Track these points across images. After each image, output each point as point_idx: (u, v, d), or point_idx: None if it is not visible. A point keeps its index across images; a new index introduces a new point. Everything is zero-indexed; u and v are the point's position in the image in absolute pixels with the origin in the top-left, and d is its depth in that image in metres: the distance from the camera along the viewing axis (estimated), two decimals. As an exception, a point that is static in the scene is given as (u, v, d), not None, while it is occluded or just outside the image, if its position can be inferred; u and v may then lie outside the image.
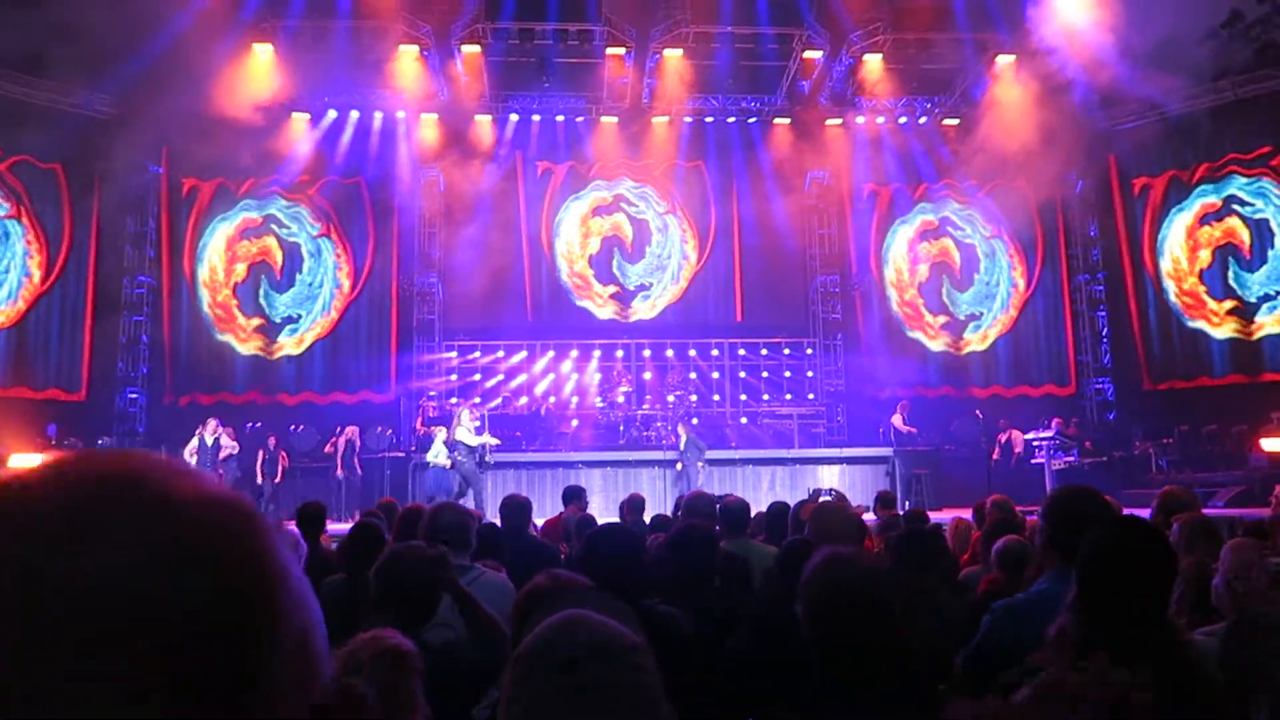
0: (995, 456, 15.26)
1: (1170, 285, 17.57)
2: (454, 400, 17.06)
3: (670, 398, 16.60)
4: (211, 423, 13.99)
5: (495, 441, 13.47)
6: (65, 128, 15.59)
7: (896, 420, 15.83)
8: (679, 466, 14.19)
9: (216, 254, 17.43)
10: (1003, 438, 15.56)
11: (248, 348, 17.32)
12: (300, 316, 17.60)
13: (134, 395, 16.83)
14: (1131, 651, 1.86)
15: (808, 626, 1.91)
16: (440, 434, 13.32)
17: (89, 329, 16.57)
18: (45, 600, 0.41)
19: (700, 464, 13.96)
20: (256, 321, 17.42)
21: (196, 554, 0.44)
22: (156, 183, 17.18)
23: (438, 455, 13.08)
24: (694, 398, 17.05)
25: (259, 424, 15.48)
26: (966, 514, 8.71)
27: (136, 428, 16.57)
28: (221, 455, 13.83)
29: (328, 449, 14.92)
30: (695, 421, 16.13)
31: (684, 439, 14.11)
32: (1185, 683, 1.87)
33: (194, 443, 13.75)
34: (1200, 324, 17.22)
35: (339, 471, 14.59)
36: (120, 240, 16.94)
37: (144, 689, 0.40)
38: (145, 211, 17.15)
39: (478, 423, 13.74)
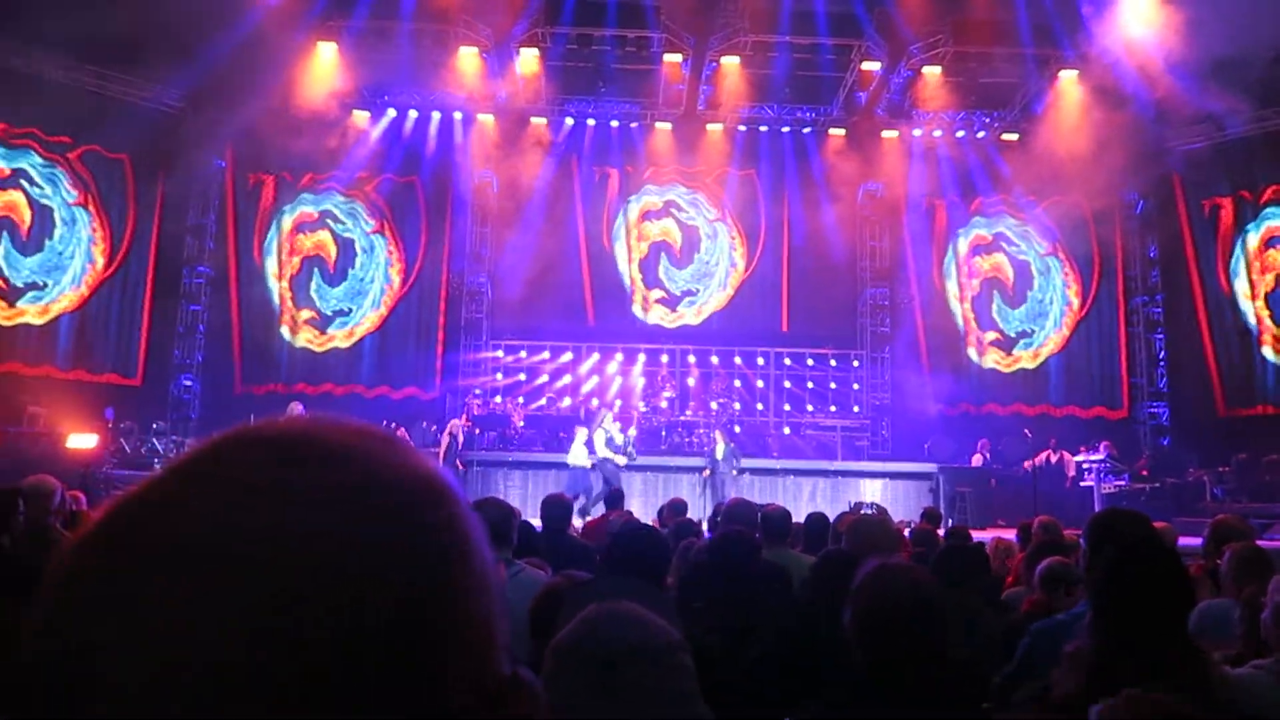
0: (1028, 466, 14.92)
1: (1247, 305, 17.05)
2: (498, 399, 17.22)
3: (714, 405, 16.60)
4: (296, 407, 14.31)
5: (622, 459, 13.48)
6: (134, 120, 16.03)
7: (976, 460, 15.49)
8: (706, 473, 14.09)
9: (278, 247, 17.84)
10: (1053, 458, 15.20)
11: (298, 340, 17.67)
12: (351, 310, 17.91)
13: (189, 383, 17.24)
14: (1145, 671, 1.86)
15: (855, 632, 1.93)
16: (581, 434, 13.39)
17: (147, 316, 17.01)
18: (235, 550, 0.42)
19: (735, 473, 13.90)
20: (307, 314, 17.76)
21: (394, 525, 0.45)
22: (220, 176, 17.62)
23: (577, 455, 13.16)
24: (737, 406, 17.01)
25: (307, 415, 15.76)
26: (1009, 534, 8.61)
27: (190, 415, 16.98)
28: None
29: None
30: (738, 430, 16.09)
31: (721, 447, 14.04)
32: (1202, 706, 1.86)
33: None
34: (1264, 350, 16.78)
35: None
36: (181, 231, 17.38)
37: (328, 650, 0.42)
38: (207, 204, 17.58)
39: (617, 425, 13.79)
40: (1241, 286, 17.11)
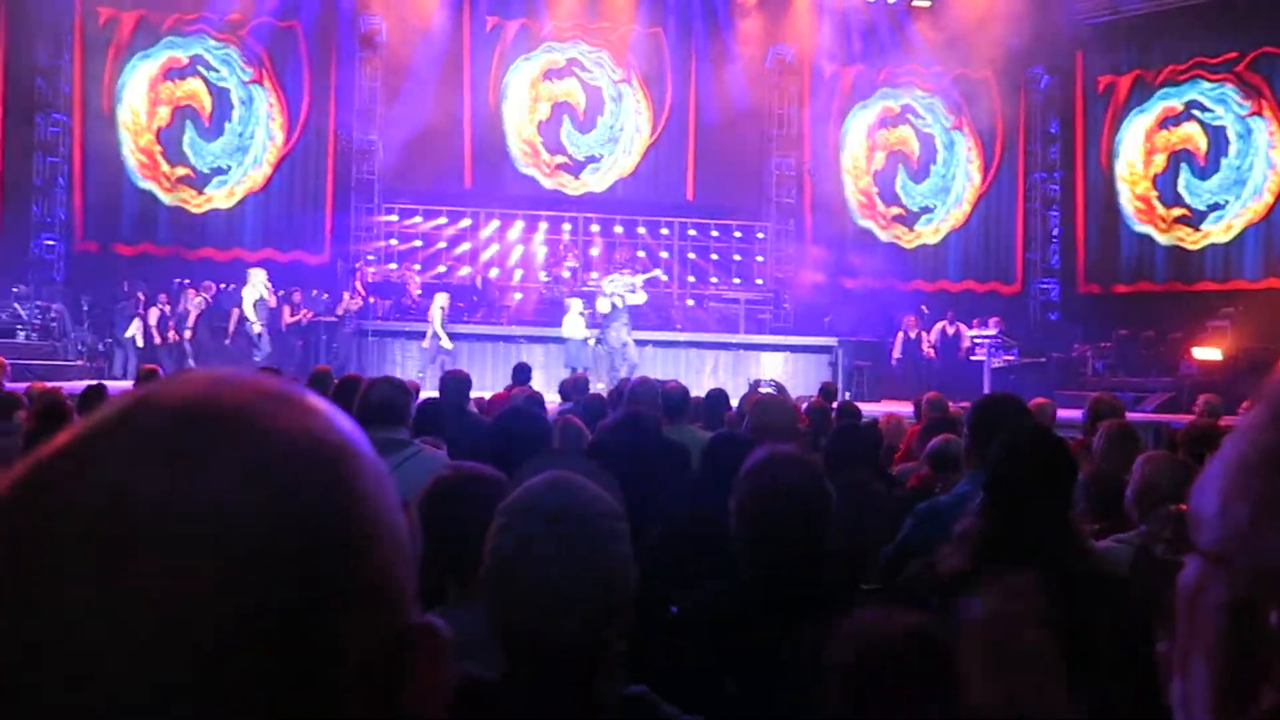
0: (922, 345, 15.43)
1: (1124, 188, 17.81)
2: (392, 265, 16.80)
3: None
4: (259, 273, 13.97)
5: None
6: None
7: (898, 339, 15.40)
8: (591, 342, 13.46)
9: (137, 95, 16.58)
10: (949, 330, 15.48)
11: (171, 198, 16.74)
12: (230, 168, 16.99)
13: (51, 242, 16.19)
14: (1031, 550, 2.01)
15: (738, 522, 2.00)
16: (574, 304, 12.77)
17: (-2, 168, 15.82)
18: (138, 517, 0.43)
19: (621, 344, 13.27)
20: (182, 171, 16.77)
21: (292, 494, 0.46)
22: (70, 12, 16.14)
23: (573, 327, 12.52)
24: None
25: (185, 280, 15.12)
26: (904, 407, 9.02)
27: (54, 276, 16.06)
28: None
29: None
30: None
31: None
32: (1084, 584, 2.03)
33: (199, 300, 13.98)
34: (1148, 229, 17.60)
35: (425, 343, 13.56)
36: (30, 71, 15.99)
37: (226, 621, 0.43)
38: (60, 43, 16.14)
39: (630, 285, 13.03)
40: (1121, 167, 17.73)
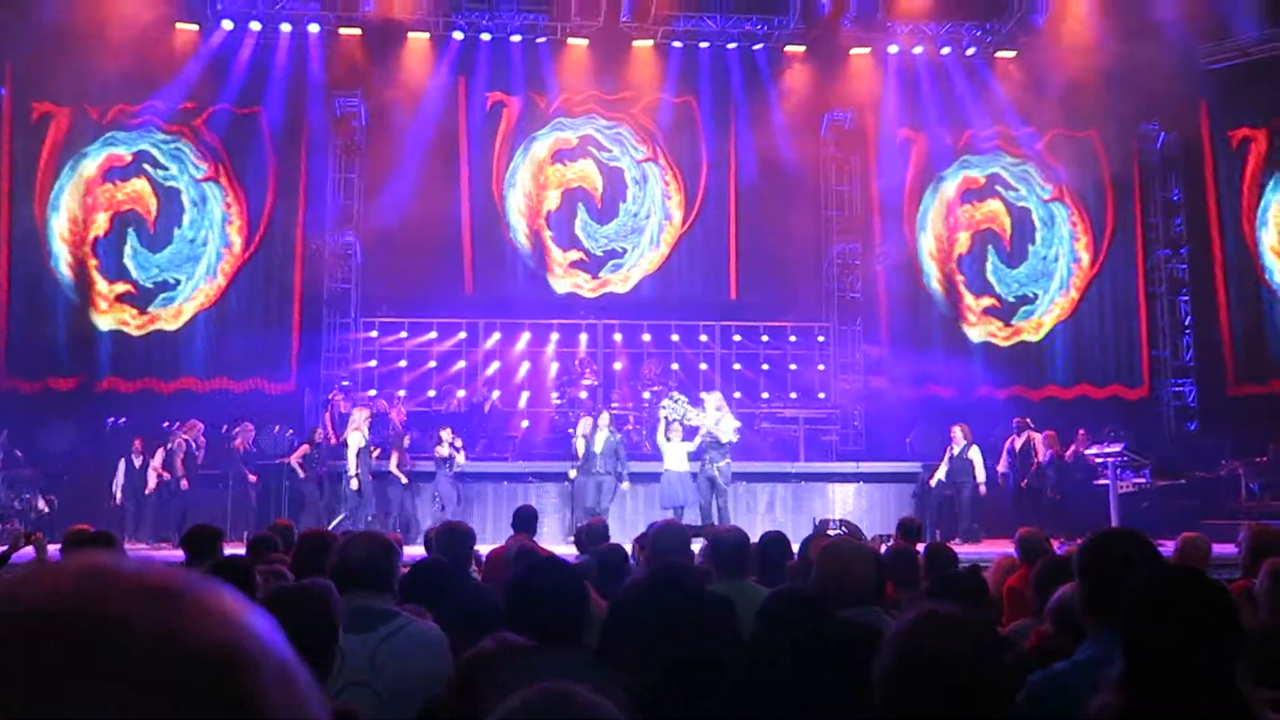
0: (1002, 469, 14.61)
1: (1274, 263, 17.57)
2: (371, 392, 16.97)
3: (646, 394, 16.64)
4: (249, 430, 14.41)
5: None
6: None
7: (1003, 467, 14.64)
8: (573, 474, 13.52)
9: (73, 200, 17.24)
10: (1018, 440, 14.57)
11: (108, 320, 17.16)
12: (178, 282, 17.48)
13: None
14: None
15: (886, 698, 1.96)
16: (678, 429, 12.95)
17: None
18: None
19: (623, 481, 13.42)
20: (122, 287, 17.25)
21: (178, 707, 0.47)
22: (-3, 108, 16.98)
23: (676, 457, 12.77)
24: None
25: (123, 419, 15.35)
26: (1007, 546, 8.82)
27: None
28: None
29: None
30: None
31: (603, 437, 13.34)
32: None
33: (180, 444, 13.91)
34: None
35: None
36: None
37: None
38: (-17, 146, 16.93)
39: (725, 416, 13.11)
40: (1269, 237, 17.63)
